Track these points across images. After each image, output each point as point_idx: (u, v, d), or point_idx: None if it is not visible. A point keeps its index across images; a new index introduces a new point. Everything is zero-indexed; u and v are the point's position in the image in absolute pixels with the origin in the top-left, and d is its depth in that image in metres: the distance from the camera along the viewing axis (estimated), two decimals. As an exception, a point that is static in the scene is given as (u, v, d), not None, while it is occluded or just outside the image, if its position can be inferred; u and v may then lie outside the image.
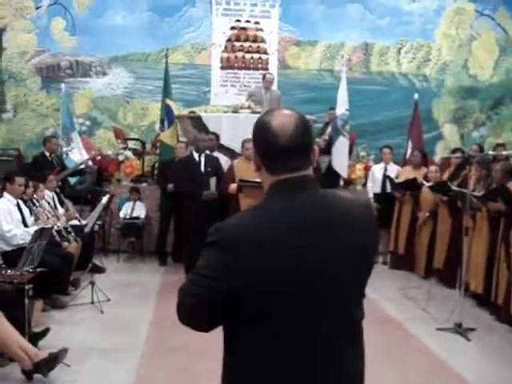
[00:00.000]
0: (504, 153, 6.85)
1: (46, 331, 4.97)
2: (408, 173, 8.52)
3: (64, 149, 9.55)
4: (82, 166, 9.07)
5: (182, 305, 1.71)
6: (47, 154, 8.99)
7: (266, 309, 1.61)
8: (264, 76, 9.44)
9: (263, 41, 11.31)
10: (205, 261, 1.65)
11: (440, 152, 11.28)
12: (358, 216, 1.77)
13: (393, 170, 8.95)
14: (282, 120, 1.72)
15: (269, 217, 1.65)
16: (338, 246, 1.67)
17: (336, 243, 1.67)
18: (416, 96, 10.48)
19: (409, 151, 9.78)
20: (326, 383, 1.68)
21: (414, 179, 8.17)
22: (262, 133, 1.73)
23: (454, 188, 6.86)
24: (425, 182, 7.86)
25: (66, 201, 7.67)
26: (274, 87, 10.07)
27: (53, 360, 4.36)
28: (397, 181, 8.43)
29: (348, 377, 1.73)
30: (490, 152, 6.98)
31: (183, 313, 1.72)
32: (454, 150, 8.28)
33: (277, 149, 1.70)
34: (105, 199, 7.07)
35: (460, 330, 5.74)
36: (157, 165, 9.68)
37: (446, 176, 7.86)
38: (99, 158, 9.64)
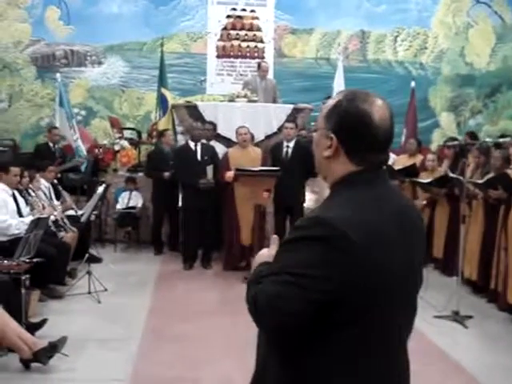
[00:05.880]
0: (501, 140, 6.81)
1: (42, 322, 4.95)
2: (404, 161, 8.46)
3: (74, 137, 9.44)
4: (83, 161, 9.05)
5: (271, 310, 1.50)
6: (51, 144, 8.99)
7: (362, 308, 1.49)
8: (259, 65, 9.38)
9: (259, 29, 11.25)
10: (305, 258, 1.47)
11: (437, 140, 11.26)
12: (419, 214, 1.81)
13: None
14: (382, 113, 1.61)
15: (368, 210, 1.53)
16: (417, 244, 1.67)
17: (416, 240, 1.67)
18: (413, 84, 10.51)
19: (403, 139, 9.77)
20: None
21: (413, 165, 8.12)
22: (362, 122, 1.59)
23: (452, 175, 6.83)
24: (422, 180, 7.74)
25: (64, 192, 7.65)
26: (271, 76, 10.02)
27: (52, 349, 4.36)
28: (395, 168, 8.32)
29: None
30: (487, 139, 6.95)
31: (275, 318, 1.51)
32: (448, 140, 8.23)
33: (375, 142, 1.60)
34: (101, 189, 7.04)
35: (457, 317, 5.75)
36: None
37: (444, 167, 7.82)
38: (101, 156, 9.53)
